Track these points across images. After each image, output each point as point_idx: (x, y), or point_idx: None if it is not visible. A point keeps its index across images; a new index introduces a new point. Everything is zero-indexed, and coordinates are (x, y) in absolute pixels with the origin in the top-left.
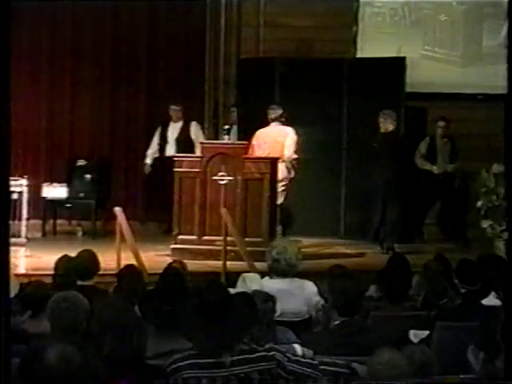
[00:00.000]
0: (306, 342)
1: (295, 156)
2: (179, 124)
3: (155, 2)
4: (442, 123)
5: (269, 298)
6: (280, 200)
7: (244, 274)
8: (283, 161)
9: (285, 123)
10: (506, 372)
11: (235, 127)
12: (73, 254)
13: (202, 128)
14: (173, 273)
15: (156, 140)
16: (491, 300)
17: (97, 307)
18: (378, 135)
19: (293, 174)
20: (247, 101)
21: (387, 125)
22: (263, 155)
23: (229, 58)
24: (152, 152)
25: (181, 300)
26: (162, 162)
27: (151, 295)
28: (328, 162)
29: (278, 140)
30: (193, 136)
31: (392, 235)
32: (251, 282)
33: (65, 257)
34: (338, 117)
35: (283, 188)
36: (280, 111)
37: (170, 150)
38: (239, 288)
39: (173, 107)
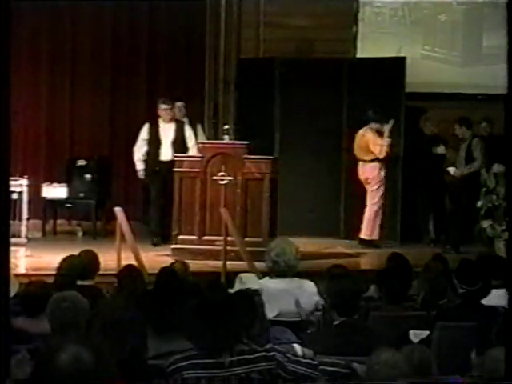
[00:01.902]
0: (306, 342)
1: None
2: (172, 125)
3: (155, 2)
4: (483, 124)
5: (256, 293)
6: (374, 201)
7: (241, 274)
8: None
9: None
10: (506, 372)
11: (186, 120)
12: (73, 254)
13: (202, 128)
14: (168, 273)
15: (143, 142)
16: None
17: (96, 307)
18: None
19: (381, 175)
20: (247, 101)
21: (433, 128)
22: (356, 155)
23: (229, 58)
24: (141, 155)
25: (179, 300)
26: (161, 166)
27: (148, 296)
28: (328, 162)
29: (362, 142)
30: (187, 138)
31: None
32: (248, 282)
33: (69, 257)
34: (338, 117)
35: (373, 188)
36: (368, 113)
37: (167, 154)
38: (237, 288)
39: (164, 106)
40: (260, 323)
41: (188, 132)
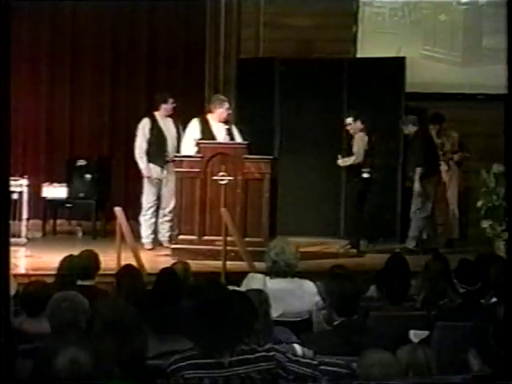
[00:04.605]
0: (306, 342)
1: None
2: (220, 123)
3: (155, 2)
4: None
5: (260, 291)
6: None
7: (252, 274)
8: None
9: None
10: (506, 372)
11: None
12: (73, 254)
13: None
14: (168, 273)
15: (194, 142)
16: None
17: (96, 307)
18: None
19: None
20: (247, 101)
21: (410, 128)
22: None
23: (229, 58)
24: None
25: (179, 300)
26: None
27: (148, 296)
28: (328, 161)
29: None
30: (237, 138)
31: None
32: (255, 283)
33: (69, 257)
34: (337, 117)
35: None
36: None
37: None
38: (243, 287)
39: (227, 105)
40: (263, 323)
41: (236, 132)
